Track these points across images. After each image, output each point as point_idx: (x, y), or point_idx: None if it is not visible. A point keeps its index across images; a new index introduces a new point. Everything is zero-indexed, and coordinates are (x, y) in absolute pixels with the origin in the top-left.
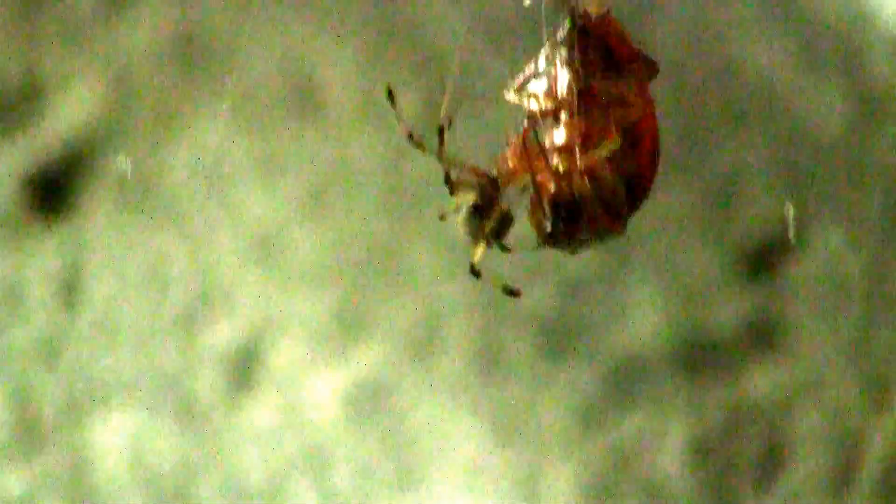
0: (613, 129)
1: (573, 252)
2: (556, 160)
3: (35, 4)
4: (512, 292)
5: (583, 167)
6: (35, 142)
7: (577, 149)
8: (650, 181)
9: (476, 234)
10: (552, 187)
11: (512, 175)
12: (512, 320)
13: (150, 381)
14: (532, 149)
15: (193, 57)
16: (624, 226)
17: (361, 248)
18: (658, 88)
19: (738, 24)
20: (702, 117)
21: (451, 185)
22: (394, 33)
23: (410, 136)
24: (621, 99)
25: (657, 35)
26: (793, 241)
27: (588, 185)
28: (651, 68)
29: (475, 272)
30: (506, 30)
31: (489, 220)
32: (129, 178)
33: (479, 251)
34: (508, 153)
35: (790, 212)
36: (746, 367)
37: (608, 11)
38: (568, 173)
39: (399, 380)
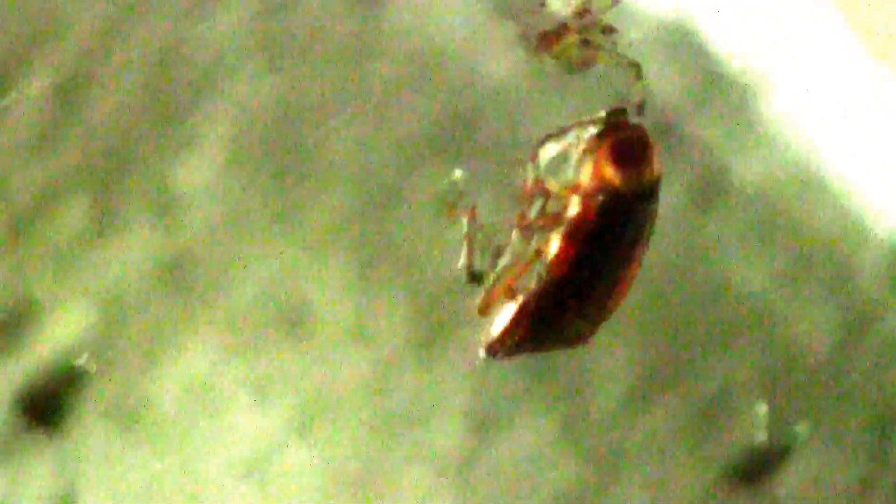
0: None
1: None
2: None
3: (21, 229)
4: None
5: None
6: (27, 366)
7: None
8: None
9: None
10: None
11: None
12: None
13: None
14: None
15: (182, 281)
16: None
17: (352, 467)
18: (644, 307)
19: (725, 242)
20: (688, 335)
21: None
22: (383, 253)
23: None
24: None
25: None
26: (766, 442)
27: None
28: None
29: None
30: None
31: None
32: (121, 399)
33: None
34: None
35: (762, 411)
36: None
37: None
38: None
39: None
